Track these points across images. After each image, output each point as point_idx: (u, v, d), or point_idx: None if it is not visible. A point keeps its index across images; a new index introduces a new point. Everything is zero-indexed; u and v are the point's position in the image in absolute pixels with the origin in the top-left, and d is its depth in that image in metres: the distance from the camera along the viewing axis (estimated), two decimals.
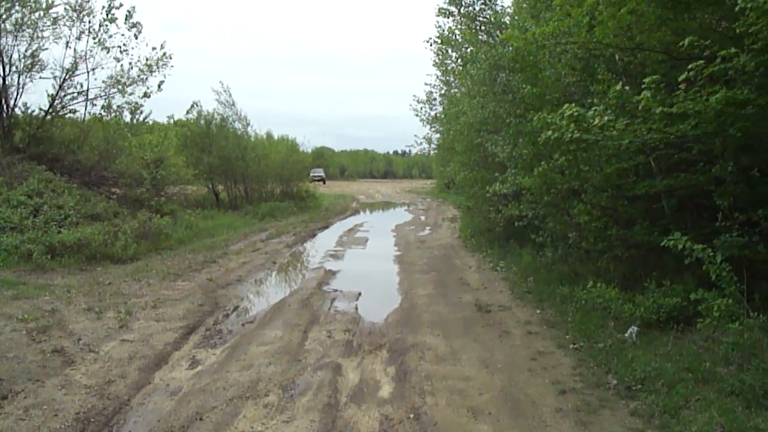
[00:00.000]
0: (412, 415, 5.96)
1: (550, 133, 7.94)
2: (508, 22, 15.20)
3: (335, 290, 12.39)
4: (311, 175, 51.82)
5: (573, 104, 7.86)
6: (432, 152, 29.80)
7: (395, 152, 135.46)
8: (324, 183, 64.58)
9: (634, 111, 7.53)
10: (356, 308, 10.88)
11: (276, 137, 38.28)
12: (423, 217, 31.98)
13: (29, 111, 19.68)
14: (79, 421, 5.73)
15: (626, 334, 7.88)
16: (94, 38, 19.21)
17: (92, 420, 5.80)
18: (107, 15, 19.15)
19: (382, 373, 7.44)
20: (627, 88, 7.88)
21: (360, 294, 12.01)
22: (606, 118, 7.43)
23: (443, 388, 6.62)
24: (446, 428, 5.67)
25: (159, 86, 20.84)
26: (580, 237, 10.77)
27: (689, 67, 6.45)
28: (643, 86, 7.05)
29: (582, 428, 5.56)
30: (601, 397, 6.20)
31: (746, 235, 7.38)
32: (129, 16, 19.45)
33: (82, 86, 19.81)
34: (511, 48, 11.58)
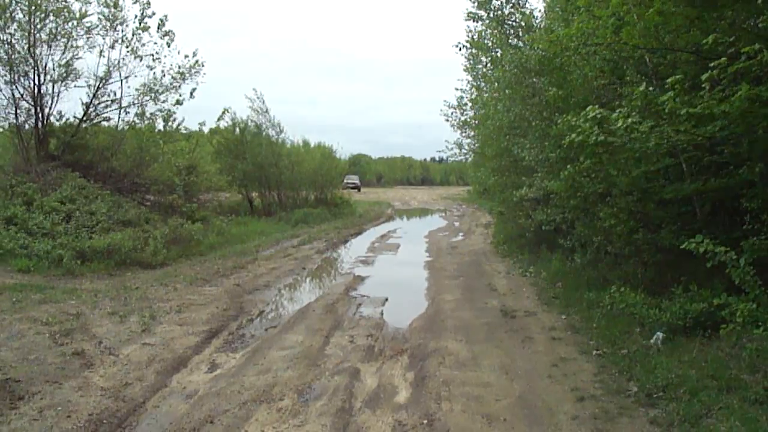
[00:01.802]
0: (425, 421, 5.87)
1: (574, 136, 7.79)
2: (538, 25, 15.02)
3: (362, 296, 12.34)
4: (345, 182, 50.73)
5: (597, 106, 7.69)
6: (463, 157, 29.54)
7: (432, 159, 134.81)
8: (359, 191, 62.34)
9: (661, 112, 7.34)
10: (381, 313, 10.82)
11: (312, 144, 38.56)
12: (457, 223, 31.80)
13: (64, 119, 20.10)
14: (91, 422, 5.76)
15: (651, 341, 7.64)
16: (127, 47, 19.47)
17: (105, 421, 5.84)
18: (140, 24, 19.38)
19: (401, 378, 7.36)
20: (651, 89, 7.67)
21: (386, 299, 11.94)
22: (630, 119, 7.25)
23: (460, 394, 6.52)
24: None
25: (191, 93, 21.05)
26: (607, 241, 10.54)
27: (711, 65, 6.26)
28: (666, 87, 6.87)
29: None
30: (621, 404, 6.02)
31: None
32: (161, 24, 19.70)
33: (115, 94, 20.12)
34: (539, 49, 11.43)
